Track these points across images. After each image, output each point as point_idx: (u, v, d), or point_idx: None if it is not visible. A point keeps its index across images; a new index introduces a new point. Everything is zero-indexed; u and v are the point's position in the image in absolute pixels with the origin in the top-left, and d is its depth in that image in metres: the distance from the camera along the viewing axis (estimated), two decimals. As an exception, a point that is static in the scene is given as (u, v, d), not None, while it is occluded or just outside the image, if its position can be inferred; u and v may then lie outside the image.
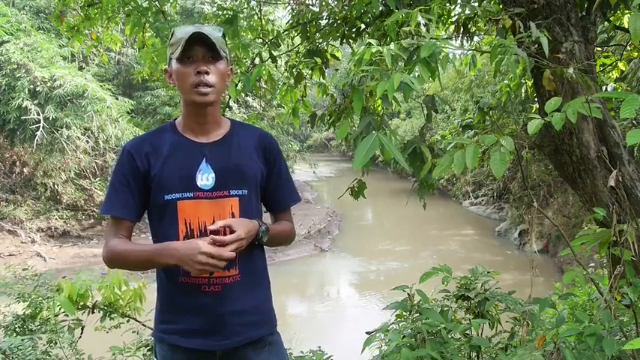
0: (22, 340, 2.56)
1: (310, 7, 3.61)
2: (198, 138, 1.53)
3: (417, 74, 1.88)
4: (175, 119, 1.61)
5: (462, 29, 3.20)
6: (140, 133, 12.43)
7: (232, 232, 1.43)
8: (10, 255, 11.53)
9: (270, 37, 3.72)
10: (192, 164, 1.49)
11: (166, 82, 1.57)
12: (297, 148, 20.56)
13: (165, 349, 1.55)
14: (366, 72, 1.96)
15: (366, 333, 2.18)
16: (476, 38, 3.58)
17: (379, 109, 2.94)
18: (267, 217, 1.67)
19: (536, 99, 2.68)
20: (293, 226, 1.70)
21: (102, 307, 2.72)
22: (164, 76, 1.58)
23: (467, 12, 3.08)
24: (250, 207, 1.54)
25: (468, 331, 2.21)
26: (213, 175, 1.49)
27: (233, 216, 1.50)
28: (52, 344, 2.67)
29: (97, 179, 13.98)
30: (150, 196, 1.51)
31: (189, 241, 1.43)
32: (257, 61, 3.49)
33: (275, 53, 3.55)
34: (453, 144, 1.85)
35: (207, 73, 1.45)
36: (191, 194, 1.47)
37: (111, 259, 1.51)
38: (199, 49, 1.45)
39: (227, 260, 1.40)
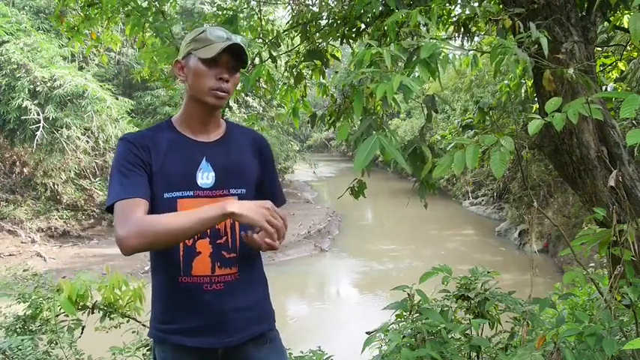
0: (22, 340, 2.56)
1: (310, 7, 3.62)
2: (197, 137, 1.54)
3: (416, 75, 1.88)
4: (170, 117, 1.60)
5: (462, 29, 3.20)
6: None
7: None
8: (10, 255, 11.54)
9: (270, 37, 3.72)
10: (192, 163, 1.50)
11: (174, 75, 1.58)
12: (297, 148, 20.57)
13: (166, 349, 1.54)
14: (366, 74, 1.96)
15: (366, 333, 2.18)
16: (476, 38, 3.58)
17: (379, 108, 2.94)
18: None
19: (536, 99, 2.68)
20: None
21: (102, 307, 2.72)
22: (174, 68, 1.56)
23: (467, 12, 3.08)
24: None
25: (467, 331, 2.21)
26: (213, 174, 1.50)
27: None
28: (52, 344, 2.67)
29: (97, 179, 13.98)
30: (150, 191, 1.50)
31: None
32: (257, 61, 3.49)
33: (275, 53, 3.55)
34: (452, 144, 1.86)
35: (227, 81, 1.48)
36: (191, 193, 1.47)
37: (141, 233, 1.30)
38: (227, 56, 1.46)
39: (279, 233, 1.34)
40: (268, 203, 1.34)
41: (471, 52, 2.86)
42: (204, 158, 1.50)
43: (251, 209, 1.31)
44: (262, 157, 1.62)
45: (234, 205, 1.31)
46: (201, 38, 1.47)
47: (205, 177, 1.49)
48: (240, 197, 1.52)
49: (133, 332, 2.79)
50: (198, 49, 1.46)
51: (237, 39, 1.48)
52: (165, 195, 1.47)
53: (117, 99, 12.70)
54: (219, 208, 1.31)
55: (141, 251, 1.34)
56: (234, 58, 1.48)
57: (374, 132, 2.16)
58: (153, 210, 1.49)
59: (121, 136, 1.52)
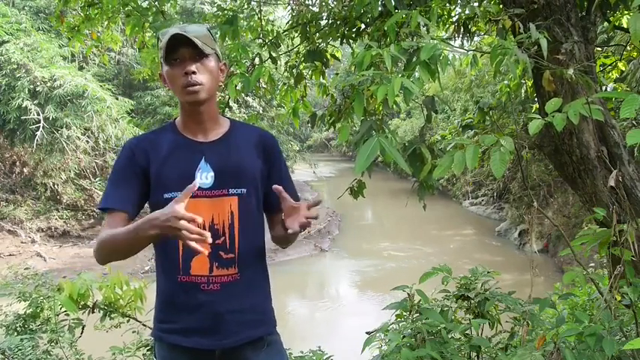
0: (22, 339, 2.57)
1: (310, 7, 3.62)
2: (197, 137, 1.53)
3: (416, 76, 1.88)
4: (176, 118, 1.61)
5: (462, 29, 3.20)
6: (140, 133, 12.51)
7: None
8: (10, 255, 11.53)
9: (270, 38, 3.72)
10: (191, 163, 1.49)
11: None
12: (297, 148, 20.57)
13: (164, 348, 1.55)
14: (366, 75, 1.95)
15: (366, 333, 2.18)
16: (476, 38, 3.58)
17: (379, 108, 2.94)
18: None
19: (536, 99, 2.69)
20: None
21: (102, 306, 2.72)
22: (161, 80, 1.57)
23: (467, 12, 3.08)
24: (251, 206, 1.53)
25: (467, 331, 2.21)
26: (212, 174, 1.49)
27: (232, 215, 1.50)
28: (52, 344, 2.68)
29: (97, 179, 13.98)
30: (149, 194, 1.52)
31: (166, 207, 1.28)
32: (257, 61, 3.49)
33: (274, 54, 3.54)
34: (452, 144, 1.86)
35: (194, 73, 1.44)
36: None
37: (98, 249, 1.43)
38: (184, 49, 1.44)
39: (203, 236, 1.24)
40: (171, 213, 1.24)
41: (471, 52, 2.86)
42: (203, 158, 1.50)
43: (166, 229, 1.25)
44: (267, 156, 1.58)
45: (155, 228, 1.27)
46: (161, 45, 1.46)
47: (204, 177, 1.48)
48: (240, 197, 1.51)
49: (134, 332, 2.79)
50: (162, 56, 1.46)
51: (185, 28, 1.44)
52: (166, 195, 1.48)
53: (117, 99, 12.70)
54: (150, 229, 1.28)
55: (106, 263, 1.47)
56: (194, 48, 1.44)
57: (374, 133, 2.16)
58: (155, 210, 1.51)
59: (125, 142, 1.57)
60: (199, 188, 1.48)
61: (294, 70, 3.66)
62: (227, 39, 3.29)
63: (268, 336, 1.59)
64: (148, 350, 2.71)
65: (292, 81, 3.68)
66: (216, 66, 1.50)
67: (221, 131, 1.56)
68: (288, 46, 4.27)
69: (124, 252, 1.41)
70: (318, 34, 3.42)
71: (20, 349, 2.54)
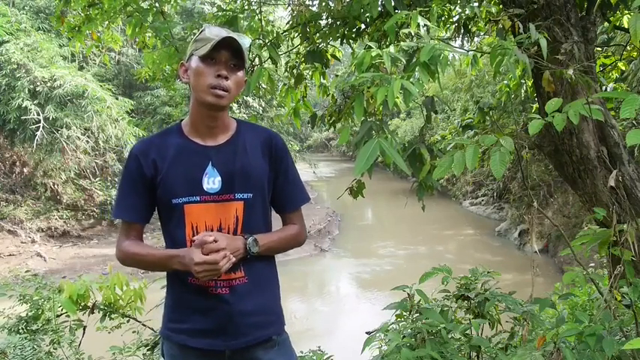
0: (21, 339, 2.56)
1: (310, 7, 3.61)
2: (205, 141, 1.53)
3: (416, 76, 1.88)
4: (181, 120, 1.60)
5: (462, 30, 3.20)
6: (140, 133, 12.35)
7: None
8: (10, 255, 11.53)
9: (270, 38, 3.71)
10: (198, 168, 1.50)
11: (175, 74, 1.58)
12: (297, 148, 20.56)
13: (174, 347, 1.57)
14: (366, 77, 1.95)
15: (366, 333, 2.18)
16: (476, 38, 3.58)
17: (380, 109, 2.94)
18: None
19: (536, 99, 2.69)
20: (301, 229, 1.70)
21: (102, 307, 2.72)
22: (180, 71, 1.57)
23: (467, 13, 3.08)
24: (255, 211, 1.54)
25: (467, 331, 2.21)
26: (219, 178, 1.50)
27: (237, 219, 1.51)
28: (55, 345, 2.68)
29: (97, 179, 13.98)
30: (157, 199, 1.53)
31: (188, 251, 1.45)
32: (256, 61, 3.49)
33: (274, 56, 3.54)
34: (452, 144, 1.86)
35: (226, 78, 1.46)
36: (198, 198, 1.48)
37: (124, 260, 1.58)
38: (225, 52, 1.45)
39: (219, 269, 1.42)
40: (196, 257, 1.41)
41: (471, 52, 2.86)
42: (210, 163, 1.50)
43: (190, 270, 1.44)
44: (273, 158, 1.59)
45: (180, 265, 1.46)
46: (200, 38, 1.48)
47: (211, 182, 1.49)
48: (246, 202, 1.51)
49: (134, 332, 2.79)
50: (198, 49, 1.47)
51: (235, 35, 1.46)
52: (174, 201, 1.49)
53: (117, 99, 12.69)
54: (175, 265, 1.47)
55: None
56: (234, 56, 1.47)
57: (374, 134, 2.16)
58: (164, 215, 1.55)
59: (131, 148, 1.59)
60: (207, 193, 1.49)
61: (294, 71, 3.65)
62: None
63: (277, 336, 1.60)
64: (148, 350, 2.71)
65: (292, 81, 3.68)
66: (243, 79, 1.53)
67: (228, 134, 1.56)
68: (288, 47, 4.26)
69: (149, 270, 1.62)
70: (318, 34, 3.42)
71: (19, 348, 2.54)
